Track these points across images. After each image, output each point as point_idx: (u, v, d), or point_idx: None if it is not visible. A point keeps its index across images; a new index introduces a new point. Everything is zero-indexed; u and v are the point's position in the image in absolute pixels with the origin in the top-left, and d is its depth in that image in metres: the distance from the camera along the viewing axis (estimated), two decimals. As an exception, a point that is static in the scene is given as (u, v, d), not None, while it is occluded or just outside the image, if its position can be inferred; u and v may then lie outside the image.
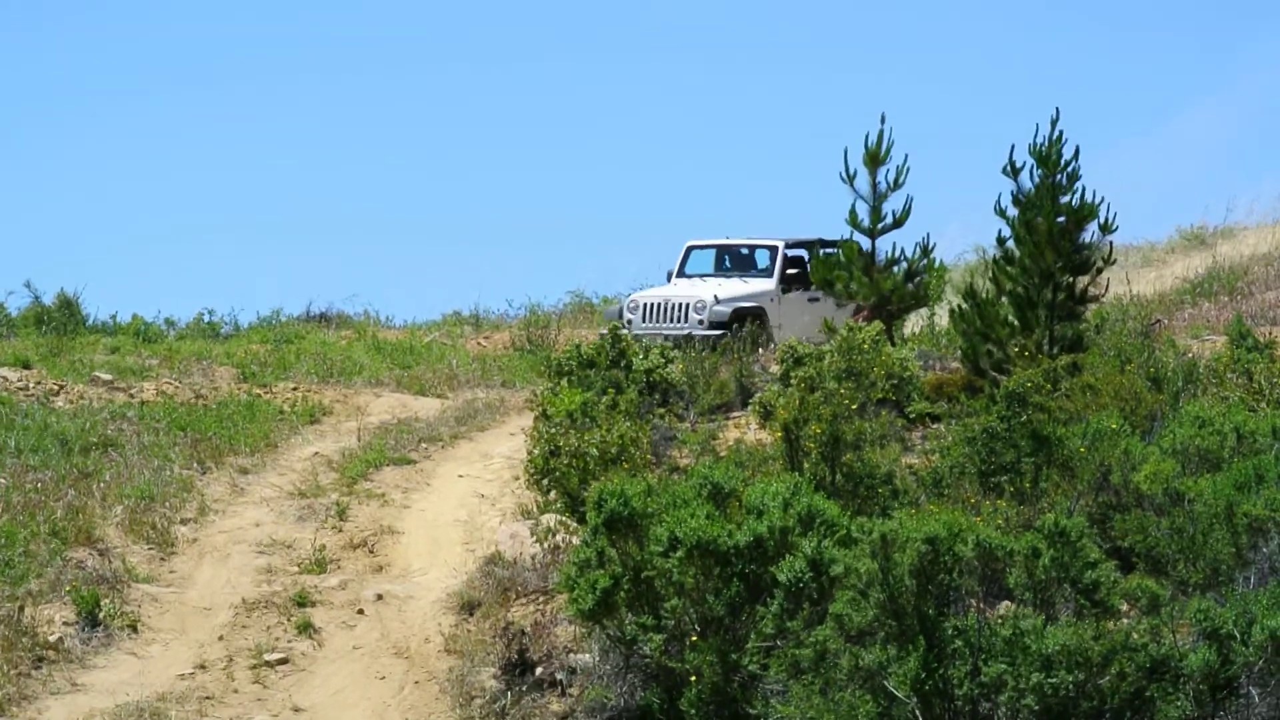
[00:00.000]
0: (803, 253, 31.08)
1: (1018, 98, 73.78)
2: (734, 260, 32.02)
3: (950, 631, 13.75)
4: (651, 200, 72.95)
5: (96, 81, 74.98)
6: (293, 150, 76.22)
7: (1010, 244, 21.81)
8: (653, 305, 30.29)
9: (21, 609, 17.52)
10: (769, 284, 30.75)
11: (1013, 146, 21.98)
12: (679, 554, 14.94)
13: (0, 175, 70.85)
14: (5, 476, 21.15)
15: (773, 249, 31.35)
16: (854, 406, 18.47)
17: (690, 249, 32.06)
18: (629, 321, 29.83)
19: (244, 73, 76.52)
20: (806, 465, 17.33)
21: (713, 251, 32.21)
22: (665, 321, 30.05)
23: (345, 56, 78.13)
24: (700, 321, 29.47)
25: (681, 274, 31.63)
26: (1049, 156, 21.47)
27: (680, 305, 30.05)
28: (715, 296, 29.95)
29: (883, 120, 27.22)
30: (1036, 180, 21.68)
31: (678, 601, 15.10)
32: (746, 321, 29.26)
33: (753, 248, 32.00)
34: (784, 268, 30.94)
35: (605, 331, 28.28)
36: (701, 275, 31.50)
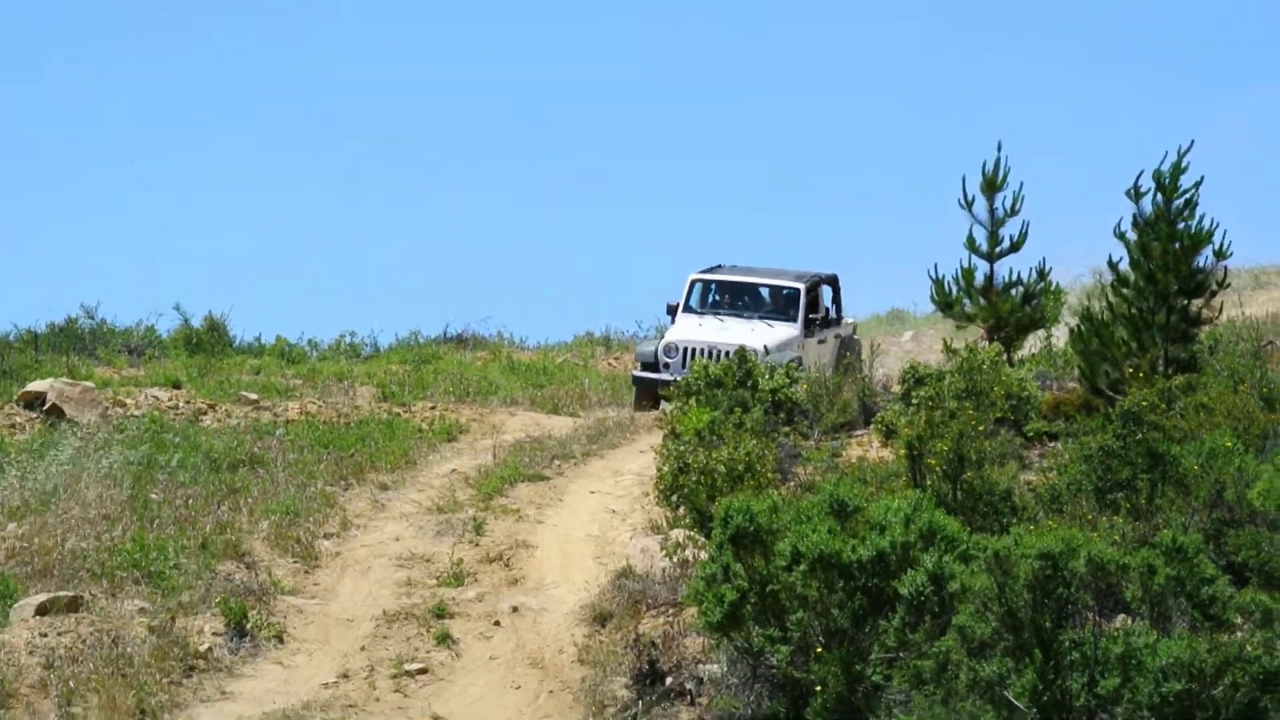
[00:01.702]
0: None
1: (1145, 120, 73.23)
2: (734, 297, 30.58)
3: (1067, 644, 13.91)
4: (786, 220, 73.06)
5: (238, 111, 76.09)
6: (427, 177, 77.00)
7: (1125, 267, 22.02)
8: (695, 350, 28.71)
9: (173, 620, 17.85)
10: (795, 329, 29.70)
11: (1140, 172, 22.18)
12: (802, 567, 15.00)
13: (150, 202, 72.04)
14: (158, 492, 21.54)
15: (794, 290, 30.14)
16: (980, 426, 18.65)
17: (694, 282, 30.60)
18: (666, 365, 28.74)
19: (380, 99, 77.36)
20: (930, 482, 17.58)
21: (714, 286, 30.74)
22: None
23: (474, 82, 78.82)
24: None
25: (687, 309, 30.23)
26: (1168, 184, 21.67)
27: (729, 354, 27.60)
28: (766, 347, 28.47)
29: (999, 148, 27.39)
30: (1157, 205, 21.89)
31: (803, 614, 15.15)
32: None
33: (765, 286, 30.70)
34: (806, 311, 29.97)
35: (637, 371, 28.61)
36: (715, 314, 30.07)
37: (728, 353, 27.77)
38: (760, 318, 30.07)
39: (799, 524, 15.48)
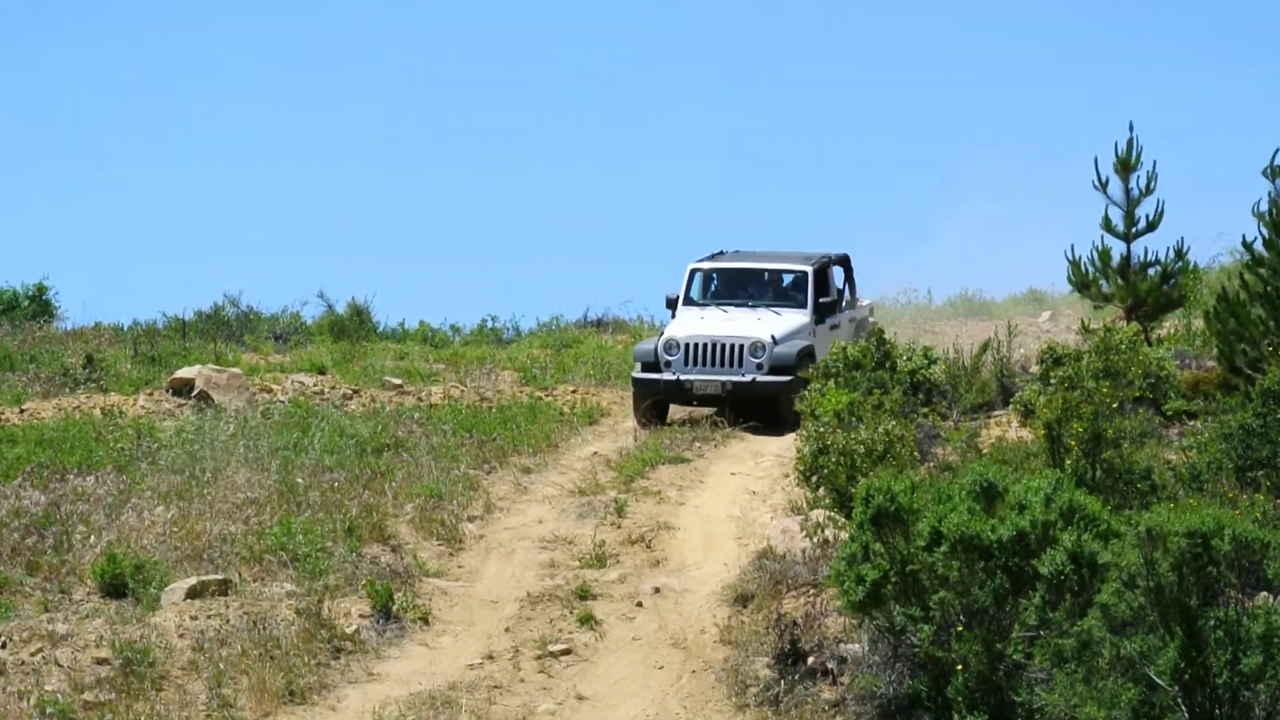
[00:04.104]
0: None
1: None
2: (737, 285, 28.42)
3: (1211, 622, 13.86)
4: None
5: (376, 95, 76.74)
6: (570, 162, 77.31)
7: (1261, 247, 21.93)
8: (698, 346, 26.71)
9: (320, 602, 17.99)
10: (805, 317, 27.70)
11: (1276, 150, 22.18)
12: (943, 548, 15.14)
13: (295, 192, 72.89)
14: (304, 477, 21.71)
15: (801, 274, 28.14)
16: (1114, 405, 18.55)
17: (694, 272, 28.45)
18: (667, 364, 26.60)
19: (531, 84, 77.83)
20: (1068, 462, 17.47)
21: (715, 275, 28.51)
22: (715, 366, 26.56)
23: (607, 62, 79.04)
24: (759, 366, 26.42)
25: (688, 301, 28.06)
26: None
27: (734, 347, 26.65)
28: (773, 336, 26.72)
29: (1131, 128, 27.19)
30: (1292, 183, 21.85)
31: (944, 594, 15.19)
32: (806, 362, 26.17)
33: (770, 272, 28.62)
34: (816, 295, 27.97)
35: (637, 372, 26.69)
36: (718, 304, 27.91)
37: (733, 346, 26.60)
38: (767, 306, 28.06)
39: (939, 504, 15.49)
